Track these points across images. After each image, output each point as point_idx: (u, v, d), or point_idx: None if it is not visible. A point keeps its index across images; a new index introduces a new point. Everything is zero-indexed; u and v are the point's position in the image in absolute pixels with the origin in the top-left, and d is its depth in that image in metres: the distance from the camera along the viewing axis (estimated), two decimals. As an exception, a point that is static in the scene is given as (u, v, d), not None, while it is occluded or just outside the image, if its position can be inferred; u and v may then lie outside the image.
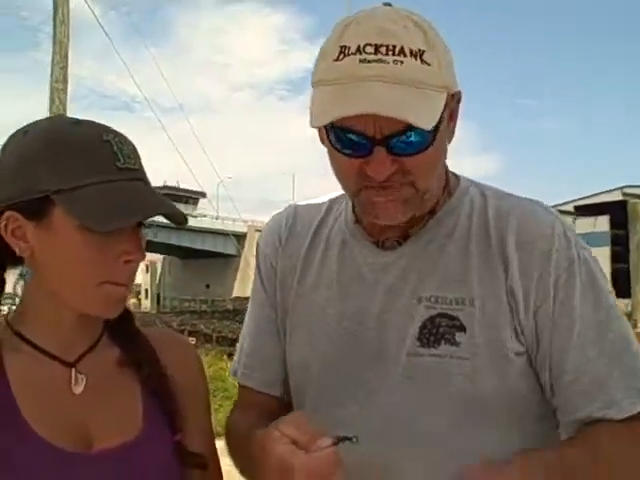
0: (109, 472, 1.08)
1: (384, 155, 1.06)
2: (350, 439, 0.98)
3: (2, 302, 1.13)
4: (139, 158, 1.11)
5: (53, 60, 11.57)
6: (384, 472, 1.15)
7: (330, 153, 1.14)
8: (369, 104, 1.03)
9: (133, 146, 1.11)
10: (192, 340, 12.04)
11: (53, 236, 1.06)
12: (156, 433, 1.14)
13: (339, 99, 1.05)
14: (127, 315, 1.20)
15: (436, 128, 1.07)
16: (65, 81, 11.58)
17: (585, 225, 38.05)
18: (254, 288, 1.39)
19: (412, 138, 1.06)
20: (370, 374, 1.19)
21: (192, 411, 1.21)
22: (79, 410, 1.11)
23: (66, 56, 11.61)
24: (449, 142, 1.17)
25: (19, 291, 1.16)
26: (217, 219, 57.06)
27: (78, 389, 1.12)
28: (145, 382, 1.17)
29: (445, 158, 1.19)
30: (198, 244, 54.62)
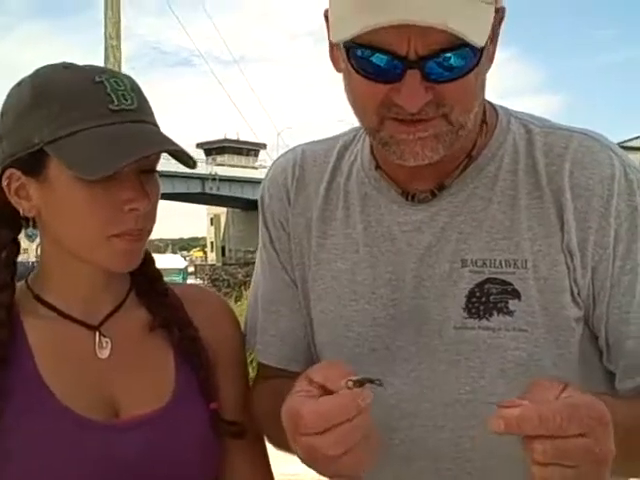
0: (138, 442, 1.02)
1: (418, 81, 0.87)
2: (373, 382, 0.83)
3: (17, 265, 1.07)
4: (139, 96, 1.02)
5: (106, 15, 11.52)
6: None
7: (348, 77, 0.95)
8: (406, 10, 0.82)
9: (132, 84, 1.02)
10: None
11: (53, 191, 1.00)
12: (189, 400, 1.07)
13: (366, 5, 0.84)
14: (154, 273, 1.14)
15: (482, 47, 0.88)
16: (118, 37, 11.54)
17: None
18: (262, 248, 1.21)
19: (452, 61, 0.87)
20: (412, 349, 1.04)
21: (226, 373, 1.14)
22: (105, 376, 1.05)
23: (119, 10, 11.54)
24: (488, 69, 0.97)
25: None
26: (277, 170, 57.10)
27: (103, 353, 1.06)
28: (177, 345, 1.09)
29: (484, 87, 0.99)
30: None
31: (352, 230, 1.10)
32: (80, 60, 1.05)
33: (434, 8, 0.82)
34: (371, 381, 0.83)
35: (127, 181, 0.99)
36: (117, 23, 11.52)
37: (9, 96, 1.04)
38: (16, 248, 1.07)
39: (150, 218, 1.04)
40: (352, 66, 0.91)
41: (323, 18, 0.97)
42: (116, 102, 0.98)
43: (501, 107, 1.09)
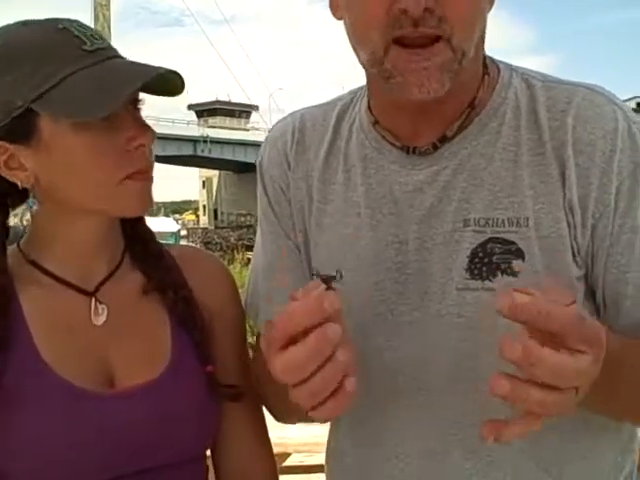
0: (136, 409, 1.00)
1: None
2: (333, 277, 0.79)
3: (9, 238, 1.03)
4: (104, 37, 0.99)
5: (94, -26, 11.31)
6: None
7: (349, 6, 0.95)
8: None
9: (94, 29, 1.00)
10: (250, 254, 12.18)
11: (51, 151, 0.95)
12: (186, 365, 1.05)
13: None
14: (147, 234, 1.10)
15: None
16: (108, -4, 11.33)
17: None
18: (262, 216, 1.18)
19: None
20: (415, 314, 1.03)
21: (223, 336, 1.11)
22: (101, 343, 1.02)
23: (107, -31, 11.33)
24: (488, 10, 0.97)
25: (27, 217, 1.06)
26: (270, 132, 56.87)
27: (99, 320, 1.03)
28: (172, 309, 1.07)
29: (485, 22, 0.97)
30: (251, 158, 54.69)
31: (353, 193, 1.08)
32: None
33: None
34: (331, 277, 0.79)
35: (124, 119, 0.96)
36: (106, -18, 11.32)
37: None
38: (5, 213, 1.03)
39: (152, 152, 1.01)
40: None
41: None
42: (88, 43, 0.95)
43: (502, 62, 1.07)
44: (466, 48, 0.93)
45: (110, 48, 0.98)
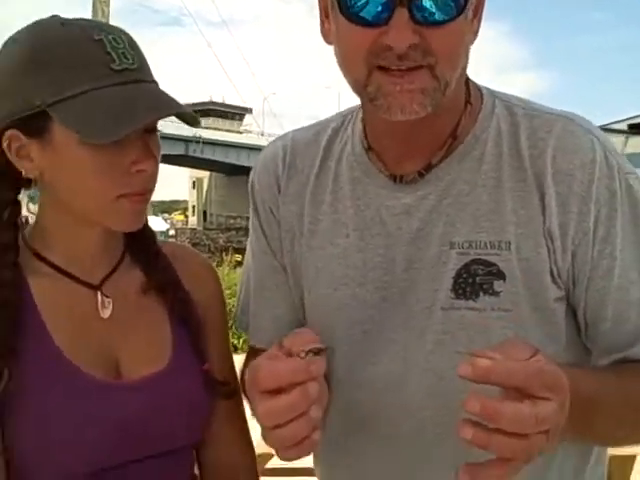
0: (140, 401, 1.04)
1: (406, 19, 0.91)
2: (322, 350, 0.87)
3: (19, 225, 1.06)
4: (138, 53, 1.01)
5: (95, -30, 11.30)
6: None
7: (338, 34, 0.98)
8: None
9: (130, 41, 1.00)
10: (238, 257, 12.17)
11: (57, 154, 0.99)
12: (186, 362, 1.09)
13: None
14: (148, 234, 1.14)
15: (465, 2, 0.93)
16: (107, -8, 11.32)
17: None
18: (252, 233, 1.23)
19: (439, 3, 0.92)
20: (400, 331, 1.06)
21: (212, 333, 1.16)
22: (108, 336, 1.06)
23: (108, -35, 11.32)
24: (472, 42, 1.01)
25: (30, 209, 1.10)
26: (262, 135, 56.91)
27: (106, 313, 1.07)
28: (171, 308, 1.11)
29: (468, 54, 1.01)
30: (243, 160, 54.69)
31: (342, 215, 1.11)
32: (68, 14, 1.03)
33: None
34: (320, 349, 0.86)
35: (133, 142, 0.98)
36: (106, -22, 11.31)
37: (4, 54, 1.00)
38: (18, 208, 1.06)
39: (154, 178, 1.04)
40: (342, 11, 0.94)
41: None
42: (117, 61, 0.96)
43: (486, 88, 1.10)
44: (449, 79, 0.96)
45: (138, 69, 0.99)
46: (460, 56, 0.98)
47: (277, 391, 0.82)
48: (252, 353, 1.20)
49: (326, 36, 1.02)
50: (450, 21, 0.93)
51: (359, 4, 0.93)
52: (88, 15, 10.91)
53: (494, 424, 0.72)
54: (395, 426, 1.06)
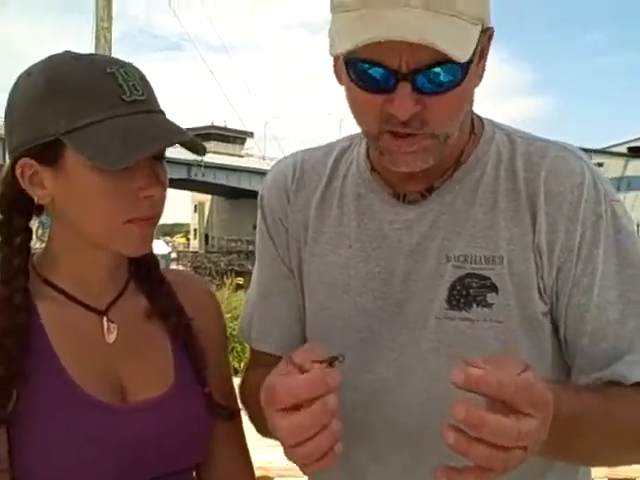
0: (142, 424, 1.06)
1: (408, 92, 0.96)
2: (337, 358, 0.89)
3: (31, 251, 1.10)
4: (147, 86, 1.05)
5: (98, -2, 11.44)
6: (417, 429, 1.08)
7: (349, 91, 1.03)
8: (397, 29, 0.92)
9: (140, 74, 1.05)
10: (240, 280, 12.19)
11: (69, 180, 1.03)
12: (188, 385, 1.13)
13: (363, 24, 0.94)
14: (152, 260, 1.18)
15: (468, 64, 0.97)
16: (110, 19, 11.48)
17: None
18: (261, 242, 1.29)
19: (440, 76, 0.96)
20: (397, 339, 1.12)
21: (213, 358, 1.19)
22: (113, 360, 1.09)
23: (111, -7, 11.46)
24: (477, 85, 1.06)
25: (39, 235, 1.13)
26: (263, 159, 57.04)
27: (111, 338, 1.10)
28: (174, 334, 1.15)
29: (472, 103, 1.09)
30: (245, 184, 54.79)
31: (345, 227, 1.17)
32: (72, 40, 1.12)
33: (422, 28, 0.92)
34: (335, 358, 0.88)
35: (141, 169, 1.02)
36: (108, 5, 11.46)
37: (19, 87, 1.05)
38: (29, 234, 1.10)
39: (161, 203, 1.07)
40: (351, 79, 1.00)
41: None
42: (128, 93, 1.01)
43: (487, 119, 1.18)
44: (450, 133, 1.03)
45: (147, 100, 1.04)
46: (460, 112, 1.04)
47: (295, 407, 0.84)
48: (254, 360, 1.25)
49: (339, 78, 1.07)
50: (451, 90, 0.97)
51: (365, 75, 0.97)
52: (91, 43, 11.04)
53: (476, 433, 0.75)
54: (390, 432, 1.10)
